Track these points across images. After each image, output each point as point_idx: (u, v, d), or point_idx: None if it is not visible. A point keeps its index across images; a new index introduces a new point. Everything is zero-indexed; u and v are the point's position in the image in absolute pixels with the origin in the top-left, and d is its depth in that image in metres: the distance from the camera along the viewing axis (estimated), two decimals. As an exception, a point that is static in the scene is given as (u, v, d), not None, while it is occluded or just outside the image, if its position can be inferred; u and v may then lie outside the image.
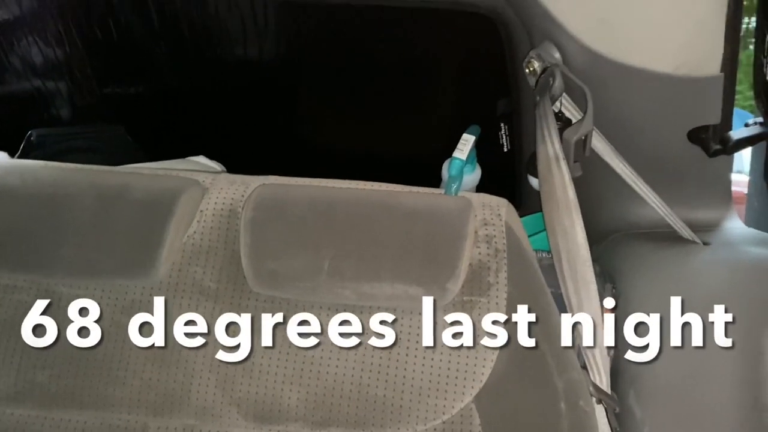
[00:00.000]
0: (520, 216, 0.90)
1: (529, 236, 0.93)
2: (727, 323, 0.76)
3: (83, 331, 0.81)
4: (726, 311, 0.77)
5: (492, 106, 1.25)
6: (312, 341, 0.79)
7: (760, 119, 0.88)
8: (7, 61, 1.39)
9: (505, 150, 1.30)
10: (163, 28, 1.28)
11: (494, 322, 0.79)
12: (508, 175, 1.30)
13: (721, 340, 0.77)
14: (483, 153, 1.01)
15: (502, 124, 1.27)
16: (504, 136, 1.29)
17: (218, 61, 1.26)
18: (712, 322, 0.79)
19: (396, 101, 1.28)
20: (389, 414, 0.78)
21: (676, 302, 0.79)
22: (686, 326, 0.81)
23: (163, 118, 1.37)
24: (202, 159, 1.22)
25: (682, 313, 0.79)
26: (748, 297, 0.78)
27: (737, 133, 0.87)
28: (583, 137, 0.88)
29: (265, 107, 1.32)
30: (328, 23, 1.19)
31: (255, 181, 0.87)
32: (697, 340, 0.80)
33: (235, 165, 1.10)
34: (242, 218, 0.82)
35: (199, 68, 1.28)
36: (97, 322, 0.81)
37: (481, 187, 1.06)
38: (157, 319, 0.80)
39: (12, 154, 1.24)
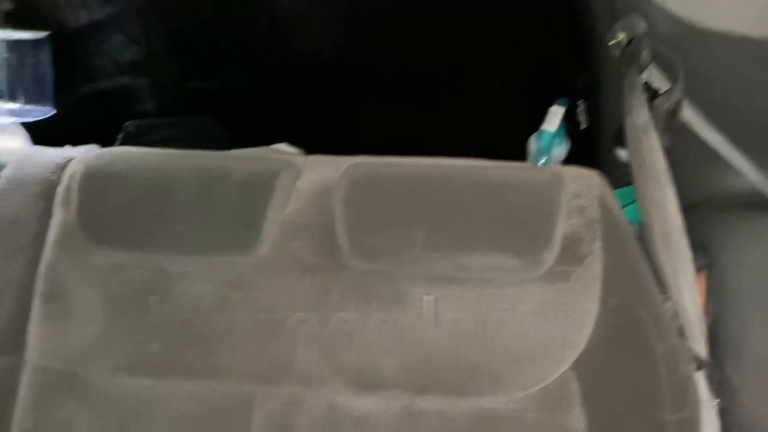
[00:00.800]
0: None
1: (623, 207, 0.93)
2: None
3: (191, 306, 0.86)
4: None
5: (570, 84, 1.25)
6: (409, 312, 0.82)
7: None
8: (96, 59, 1.48)
9: (582, 128, 1.29)
10: (244, 22, 1.33)
11: (591, 290, 0.79)
12: (586, 153, 1.29)
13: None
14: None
15: (579, 102, 1.27)
16: (581, 113, 1.28)
17: (298, 53, 1.30)
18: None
19: (472, 82, 1.29)
20: (487, 381, 0.80)
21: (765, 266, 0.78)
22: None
23: (246, 108, 1.43)
24: (284, 146, 1.26)
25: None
26: None
27: (835, 95, 0.84)
28: (673, 106, 0.87)
29: (342, 96, 1.35)
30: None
31: (346, 161, 0.90)
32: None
33: (315, 151, 1.14)
34: (336, 196, 0.85)
35: (280, 60, 1.33)
36: (204, 296, 0.86)
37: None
38: (262, 293, 0.84)
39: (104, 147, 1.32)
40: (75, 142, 1.19)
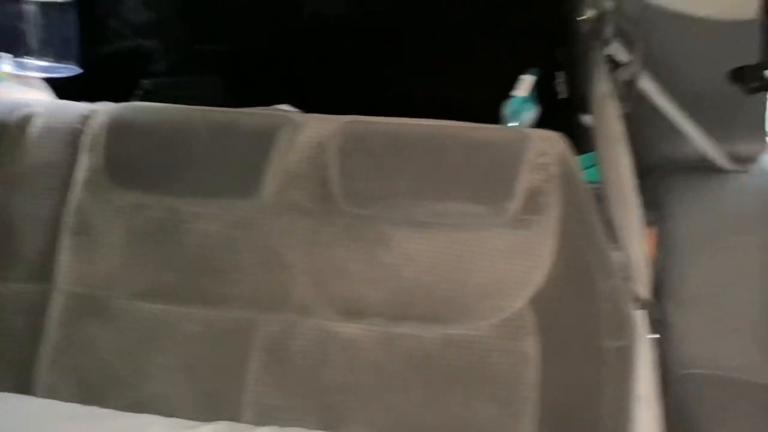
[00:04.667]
0: (578, 154, 1.01)
1: (586, 169, 1.04)
2: (753, 236, 0.87)
3: (201, 242, 0.98)
4: (754, 225, 0.88)
5: (549, 56, 1.35)
6: (390, 251, 0.94)
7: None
8: (109, 22, 1.58)
9: (561, 97, 1.40)
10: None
11: (548, 236, 0.91)
12: (564, 121, 1.40)
13: (748, 249, 0.88)
14: (541, 100, 1.12)
15: (559, 73, 1.37)
16: (560, 84, 1.39)
17: (301, 18, 1.40)
18: (743, 238, 0.90)
19: (464, 52, 1.40)
20: (456, 311, 0.92)
21: (710, 220, 0.90)
22: (720, 242, 0.92)
23: (252, 70, 1.54)
24: (286, 107, 1.37)
25: (715, 229, 0.90)
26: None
27: (774, 72, 0.95)
28: (631, 78, 0.99)
29: (343, 59, 1.46)
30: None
31: (341, 119, 1.01)
32: (728, 255, 0.91)
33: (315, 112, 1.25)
34: (331, 149, 0.97)
35: (285, 24, 1.43)
36: (212, 234, 0.98)
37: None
38: (263, 232, 0.97)
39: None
40: (91, 99, 1.31)
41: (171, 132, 1.01)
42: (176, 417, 0.93)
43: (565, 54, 1.31)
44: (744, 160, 1.04)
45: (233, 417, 0.94)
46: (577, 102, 1.31)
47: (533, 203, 0.92)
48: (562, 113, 1.39)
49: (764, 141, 1.05)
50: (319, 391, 0.94)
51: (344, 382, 0.94)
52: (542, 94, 1.14)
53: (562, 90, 1.39)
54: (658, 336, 0.93)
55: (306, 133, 1.00)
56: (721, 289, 0.92)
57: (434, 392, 0.92)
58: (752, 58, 0.97)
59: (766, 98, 1.06)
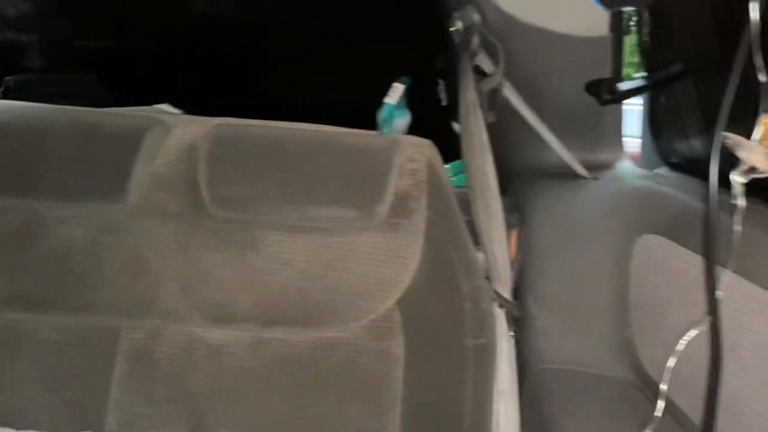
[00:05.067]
0: (453, 161, 1.05)
1: (456, 175, 1.08)
2: (601, 239, 0.94)
3: (65, 247, 0.95)
4: (603, 229, 0.94)
5: (431, 64, 1.39)
6: (262, 256, 0.94)
7: (644, 74, 1.04)
8: (-20, 14, 1.49)
9: (443, 104, 1.45)
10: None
11: (415, 239, 0.94)
12: (445, 127, 1.45)
13: (597, 252, 0.94)
14: (423, 107, 1.16)
15: (440, 80, 1.42)
16: (442, 91, 1.43)
17: (183, 17, 1.37)
18: (594, 241, 0.96)
19: (346, 60, 1.42)
20: (326, 314, 0.94)
21: (564, 223, 0.96)
22: (573, 245, 0.98)
23: (132, 69, 1.49)
24: (166, 107, 1.34)
25: (569, 232, 0.96)
26: (622, 217, 0.95)
27: (624, 85, 1.03)
28: (494, 88, 1.03)
29: (224, 60, 1.44)
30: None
31: (213, 122, 1.00)
32: (580, 257, 0.97)
33: (196, 113, 1.23)
34: (201, 152, 0.96)
35: (166, 24, 1.40)
36: (77, 239, 0.95)
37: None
38: (130, 237, 0.94)
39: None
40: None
41: (31, 133, 0.97)
42: (34, 430, 0.89)
43: (444, 62, 1.35)
44: (601, 168, 1.11)
45: (97, 427, 0.91)
46: (454, 110, 1.35)
47: (402, 207, 0.95)
48: (443, 120, 1.44)
49: (620, 150, 1.13)
50: (187, 397, 0.93)
51: (213, 388, 0.93)
52: (425, 101, 1.17)
53: (443, 97, 1.44)
54: (517, 333, 0.98)
55: (175, 136, 0.99)
56: (574, 289, 0.98)
57: (304, 395, 0.93)
58: (605, 71, 1.04)
59: (621, 110, 1.15)
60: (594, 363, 0.96)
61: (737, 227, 0.55)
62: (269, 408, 0.93)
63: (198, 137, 0.97)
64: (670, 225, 0.86)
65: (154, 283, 0.94)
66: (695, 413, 0.76)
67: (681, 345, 0.57)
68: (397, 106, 1.01)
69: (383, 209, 0.94)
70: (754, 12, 0.50)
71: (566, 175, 1.09)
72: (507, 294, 0.98)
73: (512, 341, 0.98)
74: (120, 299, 0.94)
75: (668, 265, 0.82)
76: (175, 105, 1.36)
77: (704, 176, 0.60)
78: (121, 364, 0.93)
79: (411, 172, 0.97)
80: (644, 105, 1.15)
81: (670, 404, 0.81)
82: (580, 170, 1.07)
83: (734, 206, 0.53)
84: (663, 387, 0.59)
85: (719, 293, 0.52)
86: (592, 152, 1.11)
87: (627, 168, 1.11)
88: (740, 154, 0.51)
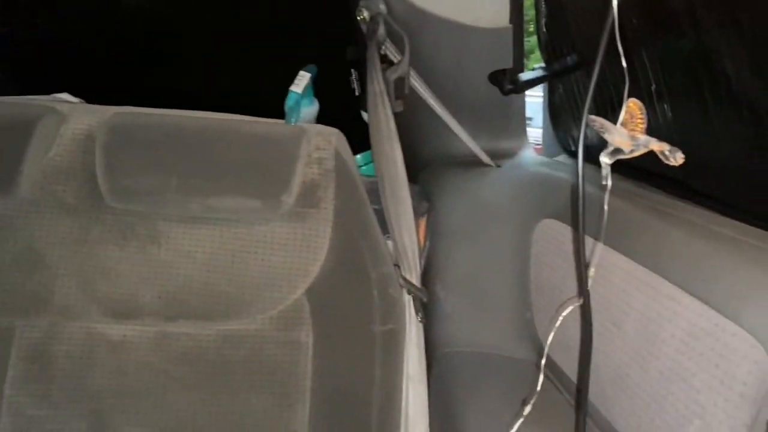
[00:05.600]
0: (363, 150, 1.05)
1: (366, 164, 1.09)
2: (504, 225, 0.96)
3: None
4: (506, 215, 0.97)
5: (342, 54, 1.39)
6: (165, 249, 0.92)
7: (543, 65, 1.07)
8: None
9: (356, 94, 1.45)
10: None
11: (323, 229, 0.94)
12: (355, 117, 1.45)
13: (501, 237, 0.97)
14: (336, 97, 1.15)
15: (352, 70, 1.42)
16: (354, 81, 1.44)
17: (88, 3, 1.32)
18: (497, 227, 0.99)
19: (259, 51, 1.39)
20: (233, 307, 0.92)
21: (469, 211, 0.98)
22: (478, 230, 1.00)
23: (32, 56, 1.41)
24: (65, 96, 1.28)
25: (474, 219, 0.99)
26: (523, 203, 0.98)
27: (525, 75, 1.06)
28: (401, 77, 1.04)
29: (127, 49, 1.39)
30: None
31: (111, 110, 0.97)
32: (485, 242, 1.00)
33: (99, 103, 1.18)
34: (98, 142, 0.92)
35: (67, 10, 1.34)
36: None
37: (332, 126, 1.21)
38: (24, 231, 0.90)
39: None
40: None
41: None
42: None
43: (354, 52, 1.35)
44: (505, 156, 1.14)
45: (-11, 433, 0.87)
46: (364, 99, 1.36)
47: (309, 197, 0.95)
48: (354, 111, 1.44)
49: (523, 138, 1.16)
50: (88, 397, 0.89)
51: (115, 386, 0.90)
52: (336, 91, 1.16)
53: (356, 87, 1.44)
54: (425, 319, 1.00)
55: (71, 125, 0.94)
56: (479, 274, 1.01)
57: (211, 389, 0.92)
58: (507, 62, 1.07)
59: (524, 100, 1.18)
60: (499, 345, 0.99)
61: (605, 206, 0.57)
62: (176, 404, 0.91)
63: (95, 126, 0.94)
64: (565, 209, 0.90)
65: (50, 279, 0.90)
66: (590, 387, 0.80)
67: (558, 320, 0.60)
68: (304, 95, 1.00)
69: (290, 199, 0.93)
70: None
71: (472, 163, 1.12)
72: (415, 280, 1.00)
73: (420, 326, 1.00)
74: (13, 297, 0.89)
75: (563, 247, 0.86)
76: (77, 95, 1.30)
77: (596, 161, 0.63)
78: (15, 366, 0.89)
79: (318, 161, 0.96)
80: (544, 95, 1.19)
81: (565, 380, 0.85)
82: (485, 158, 1.10)
83: (606, 186, 0.56)
84: (543, 362, 0.62)
85: (591, 270, 0.55)
86: (496, 141, 1.14)
87: (529, 156, 1.15)
88: (606, 136, 0.53)
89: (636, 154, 0.53)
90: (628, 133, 0.52)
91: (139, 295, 0.91)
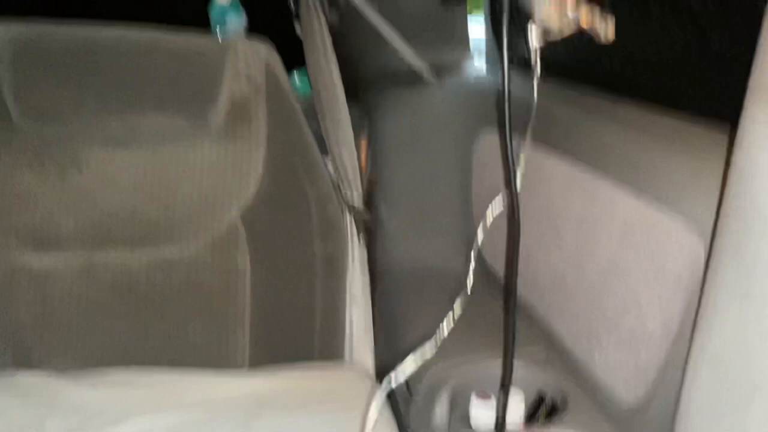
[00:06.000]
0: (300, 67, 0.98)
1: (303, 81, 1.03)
2: (446, 139, 0.94)
3: None
4: (447, 129, 0.94)
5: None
6: (85, 174, 0.86)
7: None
8: None
9: (290, 4, 1.37)
10: None
11: (256, 148, 0.90)
12: (292, 30, 1.38)
13: (442, 152, 0.95)
14: (267, 7, 1.08)
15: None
16: (292, 3, 1.35)
17: None
18: (439, 139, 0.96)
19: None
20: (163, 233, 0.88)
21: (411, 128, 0.95)
22: (419, 148, 0.97)
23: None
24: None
25: (416, 136, 0.96)
26: (464, 116, 0.95)
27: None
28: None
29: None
30: None
31: (17, 25, 0.88)
32: (426, 159, 0.97)
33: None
34: (4, 60, 0.84)
35: None
36: None
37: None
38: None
39: None
40: None
41: None
42: None
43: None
44: (447, 71, 1.10)
45: None
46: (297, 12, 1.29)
47: (239, 115, 0.90)
48: (289, 25, 1.36)
49: (466, 52, 1.12)
50: (12, 330, 0.85)
51: (40, 318, 0.85)
52: (279, 13, 1.09)
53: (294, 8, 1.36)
54: (368, 239, 0.97)
55: (-28, 42, 0.86)
56: (422, 191, 0.98)
57: (145, 319, 0.88)
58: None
59: (465, 13, 1.13)
60: (443, 260, 0.98)
61: (535, 95, 0.54)
62: (107, 335, 0.87)
63: (0, 42, 0.85)
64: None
65: None
66: (530, 293, 0.79)
67: (489, 219, 0.57)
68: (230, 7, 0.93)
69: (218, 117, 0.88)
70: None
71: (414, 79, 1.07)
72: (357, 201, 0.97)
73: (363, 248, 0.97)
74: None
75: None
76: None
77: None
78: None
79: (247, 77, 0.91)
80: (485, 6, 1.14)
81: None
82: (426, 73, 1.06)
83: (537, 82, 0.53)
84: (471, 264, 0.60)
85: (521, 167, 0.53)
86: (438, 54, 1.09)
87: (471, 68, 1.10)
88: (534, 9, 0.49)
89: (566, 33, 0.50)
90: (555, 9, 0.49)
91: (61, 223, 0.85)
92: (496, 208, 0.57)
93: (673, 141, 0.59)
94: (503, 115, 0.46)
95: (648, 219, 0.55)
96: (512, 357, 0.55)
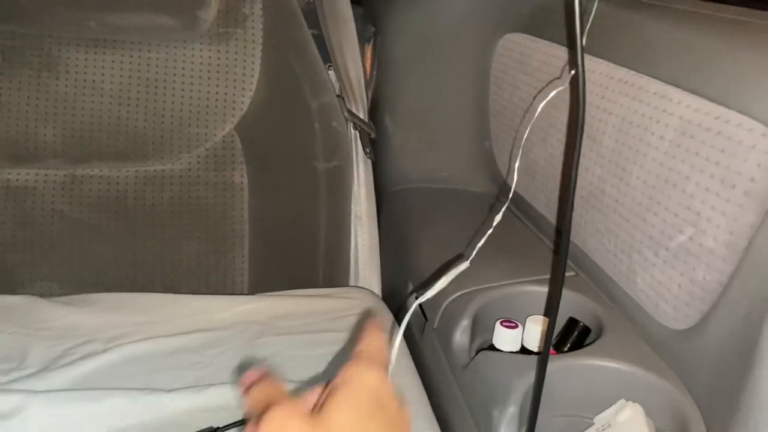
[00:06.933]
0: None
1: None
2: (460, 45, 0.85)
3: None
4: (462, 34, 0.85)
5: None
6: (63, 79, 0.77)
7: None
8: None
9: None
10: None
11: (252, 53, 0.81)
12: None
13: (456, 59, 0.86)
14: None
15: None
16: None
17: None
18: (453, 45, 0.87)
19: None
20: (151, 145, 0.80)
21: (422, 32, 0.86)
22: (429, 59, 0.89)
23: None
24: None
25: (426, 42, 0.87)
26: (481, 18, 0.85)
27: None
28: None
29: None
30: None
31: None
32: (439, 62, 0.88)
33: None
34: None
35: None
36: None
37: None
38: None
39: None
40: None
41: None
42: None
43: None
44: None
45: None
46: None
47: (232, 14, 0.80)
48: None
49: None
50: (-10, 251, 0.78)
51: (21, 236, 0.79)
52: None
53: None
54: (373, 155, 0.90)
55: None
56: (432, 102, 0.90)
57: (135, 237, 0.82)
58: None
59: None
60: (454, 178, 0.91)
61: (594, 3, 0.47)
62: (93, 255, 0.81)
63: None
64: (530, 19, 0.78)
65: None
66: (551, 213, 0.73)
67: (526, 132, 0.50)
68: None
69: (208, 15, 0.78)
70: None
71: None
72: (362, 113, 0.89)
73: (369, 163, 0.90)
74: None
75: (529, 62, 0.75)
76: None
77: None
78: None
79: (240, -31, 0.81)
80: None
81: (532, 212, 0.78)
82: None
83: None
84: (512, 186, 0.53)
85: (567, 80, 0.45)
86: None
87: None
88: None
89: None
90: None
91: (38, 133, 0.77)
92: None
93: (736, 29, 0.52)
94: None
95: (712, 117, 0.48)
96: (562, 284, 0.49)
